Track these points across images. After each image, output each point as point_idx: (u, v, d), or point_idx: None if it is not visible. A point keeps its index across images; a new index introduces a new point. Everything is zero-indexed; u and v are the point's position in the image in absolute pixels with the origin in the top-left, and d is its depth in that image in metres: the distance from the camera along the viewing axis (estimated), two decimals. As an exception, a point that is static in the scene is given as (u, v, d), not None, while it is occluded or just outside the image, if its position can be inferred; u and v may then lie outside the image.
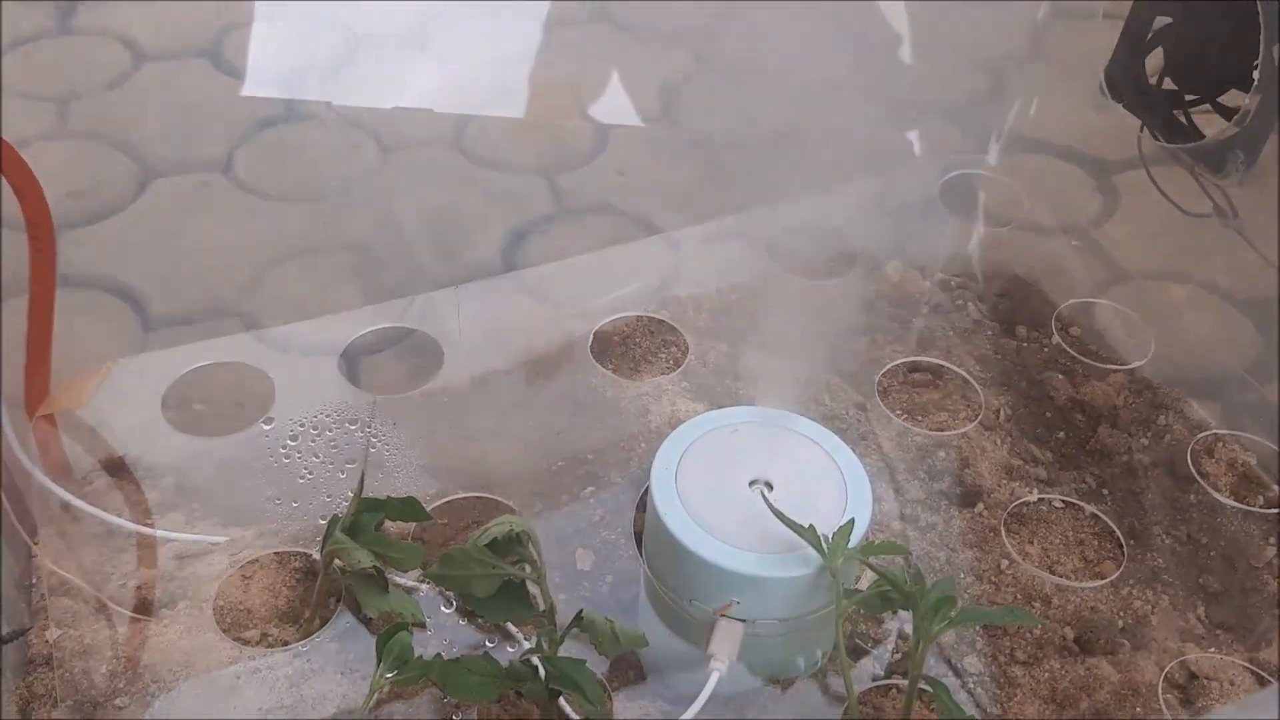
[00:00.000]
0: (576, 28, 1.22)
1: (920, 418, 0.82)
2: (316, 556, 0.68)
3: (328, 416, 0.77)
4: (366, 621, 0.65)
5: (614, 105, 1.13)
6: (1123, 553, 0.74)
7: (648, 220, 0.99)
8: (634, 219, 0.99)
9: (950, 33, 1.23)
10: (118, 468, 0.75)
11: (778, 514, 0.62)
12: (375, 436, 0.76)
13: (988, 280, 0.93)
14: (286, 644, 0.65)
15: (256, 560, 0.69)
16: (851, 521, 0.62)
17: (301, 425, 0.76)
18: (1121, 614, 0.71)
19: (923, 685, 0.59)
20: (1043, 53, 1.21)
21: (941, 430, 0.81)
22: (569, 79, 1.16)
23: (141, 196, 0.99)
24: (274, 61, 1.15)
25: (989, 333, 0.89)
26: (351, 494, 0.66)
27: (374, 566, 0.63)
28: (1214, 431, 0.81)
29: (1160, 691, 0.66)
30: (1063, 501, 0.77)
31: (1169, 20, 0.80)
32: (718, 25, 1.23)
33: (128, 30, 1.16)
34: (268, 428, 0.76)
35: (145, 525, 0.70)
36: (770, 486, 0.66)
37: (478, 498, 0.74)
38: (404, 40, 1.20)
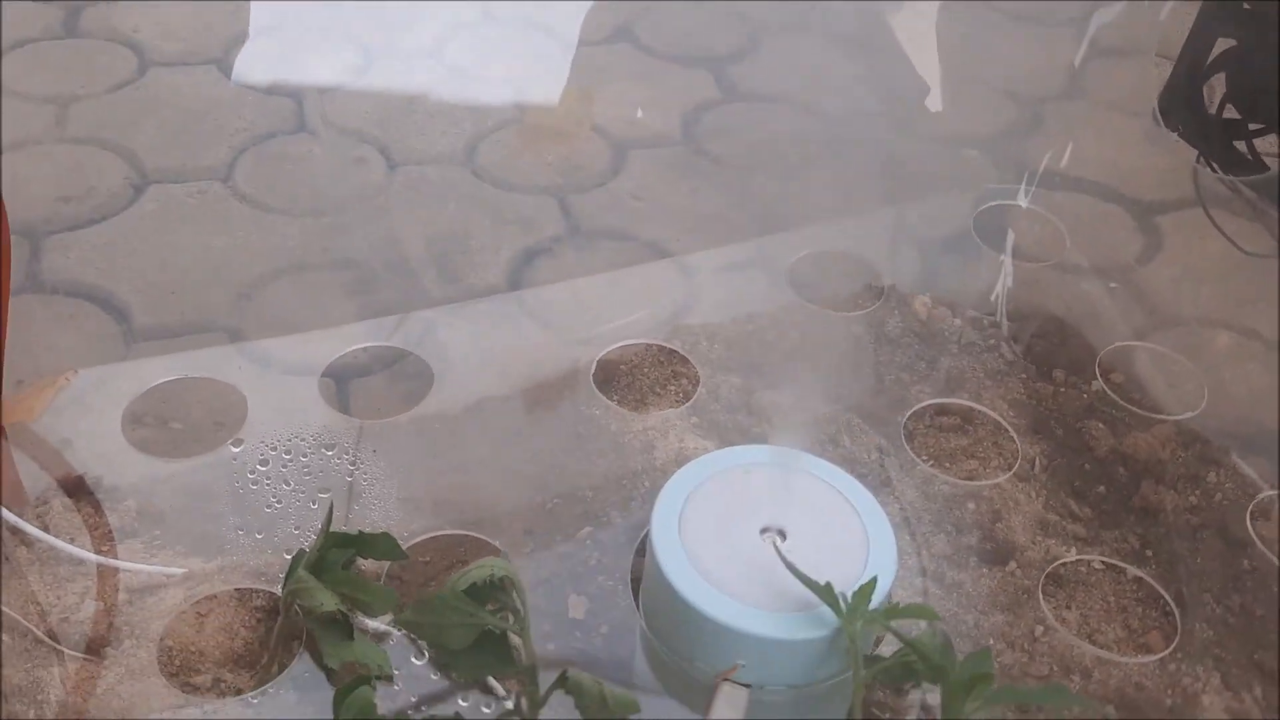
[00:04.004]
0: (598, 47, 1.16)
1: (948, 465, 0.74)
2: (280, 594, 0.60)
3: (303, 441, 0.69)
4: (329, 671, 0.57)
5: (632, 127, 1.06)
6: (1170, 622, 0.66)
7: (662, 247, 0.92)
8: (648, 245, 0.92)
9: (986, 69, 1.16)
10: (77, 487, 0.67)
11: (790, 568, 0.54)
12: (353, 465, 0.68)
13: (1023, 320, 0.85)
14: (240, 692, 0.57)
15: (214, 596, 0.61)
16: (874, 580, 0.54)
17: (274, 449, 0.69)
18: (1169, 692, 0.63)
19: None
20: (1084, 90, 1.13)
21: (971, 479, 0.73)
22: (587, 97, 1.09)
23: (135, 203, 0.93)
24: (287, 70, 1.09)
25: (1023, 376, 0.81)
26: (321, 527, 0.58)
27: (339, 610, 0.55)
28: (1272, 492, 0.73)
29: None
30: (1103, 563, 0.69)
31: (1232, 42, 0.72)
32: (743, 52, 1.16)
33: (135, 34, 1.11)
34: (236, 450, 0.69)
35: (99, 554, 0.63)
36: (784, 535, 0.58)
37: (463, 535, 0.66)
38: (421, 56, 1.13)
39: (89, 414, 0.71)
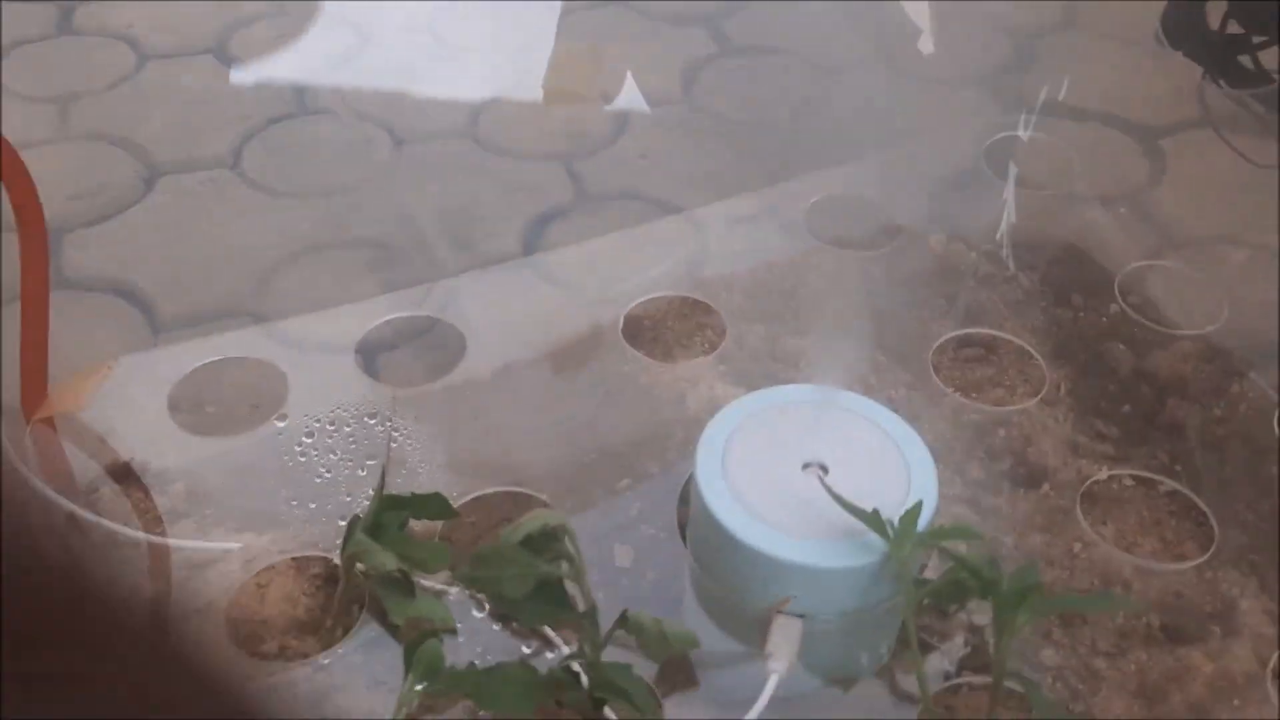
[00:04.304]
0: (591, 10, 1.16)
1: (975, 394, 0.75)
2: (337, 561, 0.62)
3: (345, 412, 0.71)
4: (393, 629, 0.59)
5: (633, 88, 1.07)
6: (1204, 532, 0.67)
7: (673, 204, 0.93)
8: (658, 203, 0.93)
9: (977, 6, 1.16)
10: (124, 474, 0.69)
11: (837, 498, 0.55)
12: (396, 431, 0.70)
13: (1038, 249, 0.87)
14: (307, 657, 0.58)
15: (272, 567, 0.63)
16: (919, 504, 0.56)
17: (317, 422, 0.70)
18: (1209, 598, 0.64)
19: (1007, 684, 0.52)
20: (1076, 20, 1.14)
21: (1000, 406, 0.74)
22: (585, 61, 1.10)
23: (148, 196, 0.93)
24: (282, 56, 1.09)
25: (1043, 303, 0.82)
26: (372, 492, 0.60)
27: (399, 570, 0.57)
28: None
29: (1269, 681, 0.59)
30: (1134, 479, 0.70)
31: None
32: (735, 5, 1.17)
33: (130, 29, 1.11)
34: (281, 425, 0.70)
35: (155, 534, 0.64)
36: (825, 469, 0.59)
37: (508, 493, 0.68)
38: (414, 30, 1.14)
39: (129, 402, 0.72)
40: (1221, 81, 0.78)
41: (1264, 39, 0.74)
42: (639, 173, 0.97)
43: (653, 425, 0.73)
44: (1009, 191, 0.91)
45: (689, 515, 0.64)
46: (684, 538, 0.65)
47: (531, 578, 0.55)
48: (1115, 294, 0.82)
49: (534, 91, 1.06)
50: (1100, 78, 1.05)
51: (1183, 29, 0.79)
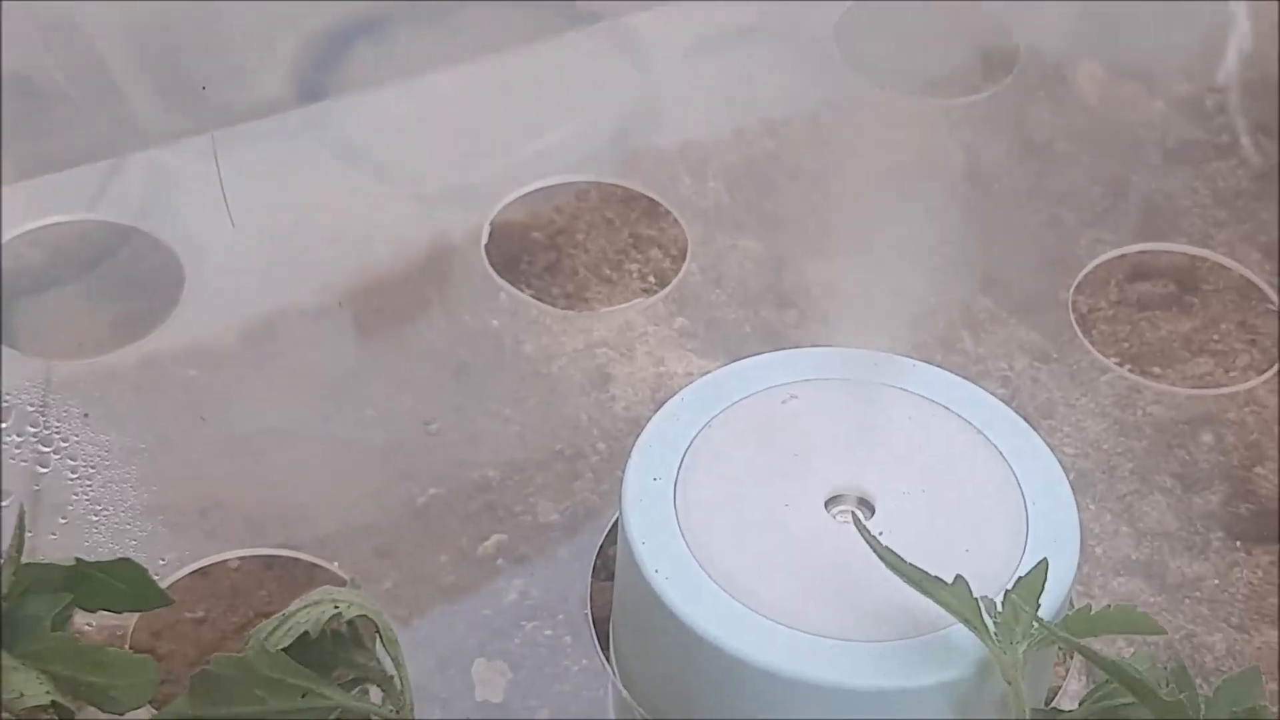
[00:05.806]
0: None
1: (1158, 369, 0.78)
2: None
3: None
4: (46, 816, 0.61)
5: None
6: None
7: (585, 6, 0.95)
8: (559, 5, 0.95)
9: None
10: None
11: (887, 557, 0.58)
12: (49, 446, 0.71)
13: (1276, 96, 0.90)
14: None
15: None
16: (1042, 566, 0.58)
17: (-107, 427, 0.72)
18: None
19: None
20: None
21: (1204, 389, 0.77)
22: None
23: None
24: None
25: (1285, 197, 0.86)
26: (2, 559, 0.61)
27: (54, 703, 0.58)
28: None
29: None
30: None
31: None
32: None
33: None
34: None
35: None
36: (870, 508, 0.62)
37: (270, 558, 0.70)
38: None
39: None
40: None
41: None
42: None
43: (550, 430, 0.75)
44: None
45: (612, 600, 0.65)
46: (601, 641, 0.67)
47: (309, 715, 0.57)
48: None
49: None
50: None
51: None
